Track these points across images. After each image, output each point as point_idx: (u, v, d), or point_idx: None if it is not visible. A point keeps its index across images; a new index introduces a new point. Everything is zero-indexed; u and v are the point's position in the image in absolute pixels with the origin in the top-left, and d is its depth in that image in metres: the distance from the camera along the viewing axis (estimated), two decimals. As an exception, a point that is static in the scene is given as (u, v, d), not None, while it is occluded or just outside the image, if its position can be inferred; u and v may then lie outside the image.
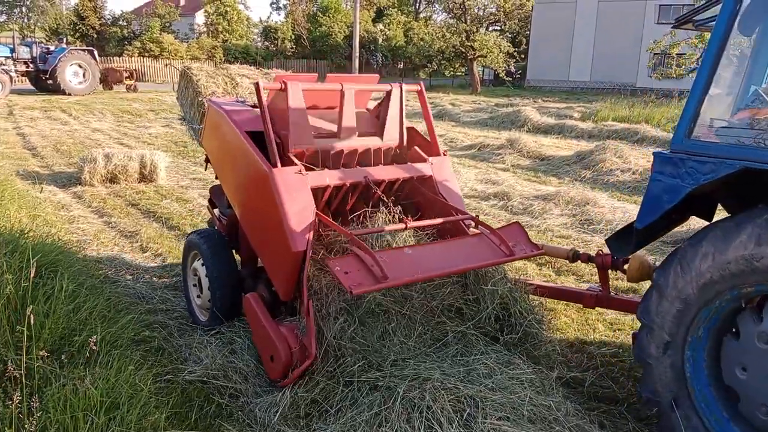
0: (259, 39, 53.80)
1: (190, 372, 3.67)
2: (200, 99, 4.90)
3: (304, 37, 49.72)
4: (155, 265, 6.05)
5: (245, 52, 44.67)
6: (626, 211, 8.05)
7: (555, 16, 37.88)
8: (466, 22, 34.33)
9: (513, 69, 34.43)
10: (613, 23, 36.35)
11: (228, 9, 48.36)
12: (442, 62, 36.81)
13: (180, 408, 3.32)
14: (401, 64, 49.43)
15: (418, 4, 59.39)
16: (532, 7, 36.99)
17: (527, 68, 39.07)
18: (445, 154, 4.31)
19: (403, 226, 3.61)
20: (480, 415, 2.84)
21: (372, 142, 4.10)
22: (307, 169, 3.66)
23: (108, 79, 27.98)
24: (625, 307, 4.32)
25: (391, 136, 4.17)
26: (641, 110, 18.82)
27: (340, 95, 3.88)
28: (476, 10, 35.35)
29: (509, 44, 34.27)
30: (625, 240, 3.36)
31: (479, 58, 34.36)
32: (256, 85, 3.60)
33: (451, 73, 37.42)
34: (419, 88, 4.31)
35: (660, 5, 35.05)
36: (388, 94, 4.13)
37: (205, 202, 8.58)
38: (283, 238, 3.40)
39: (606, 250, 3.91)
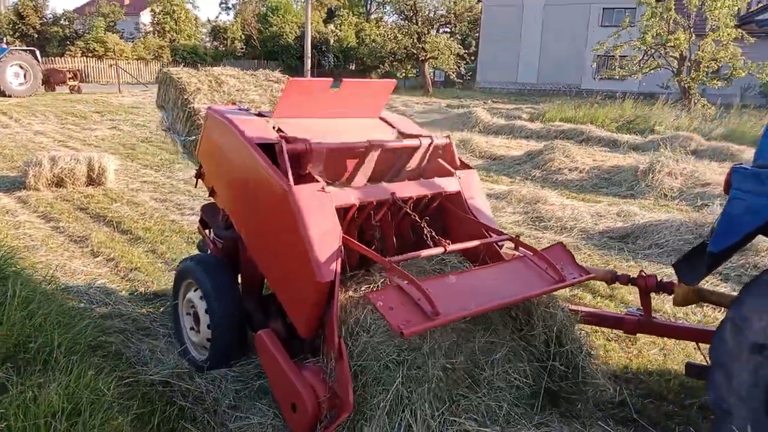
0: (207, 39, 52.88)
1: (154, 374, 3.64)
2: (190, 107, 4.44)
3: (255, 38, 49.13)
4: (108, 269, 5.93)
5: (194, 52, 43.84)
6: (575, 208, 8.35)
7: (502, 19, 38.63)
8: (417, 24, 34.65)
9: (463, 71, 34.94)
10: (558, 26, 37.34)
11: (175, 8, 47.36)
12: (394, 63, 37.05)
13: (142, 411, 3.29)
14: (353, 65, 49.44)
15: (369, 5, 59.52)
16: (481, 9, 37.57)
17: (477, 70, 39.73)
18: (471, 168, 3.95)
19: (441, 249, 3.21)
20: None
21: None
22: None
23: (50, 80, 27.00)
24: (671, 333, 4.02)
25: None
26: (586, 111, 19.45)
27: (364, 152, 3.47)
28: (427, 12, 35.70)
29: (459, 46, 34.76)
30: (696, 264, 3.00)
31: (430, 60, 34.73)
32: (279, 147, 3.17)
33: (403, 74, 37.71)
34: (448, 142, 3.89)
35: (603, 8, 36.23)
36: (414, 150, 3.72)
37: (157, 205, 8.51)
38: (307, 267, 2.95)
39: (648, 270, 3.77)
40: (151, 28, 49.03)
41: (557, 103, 21.43)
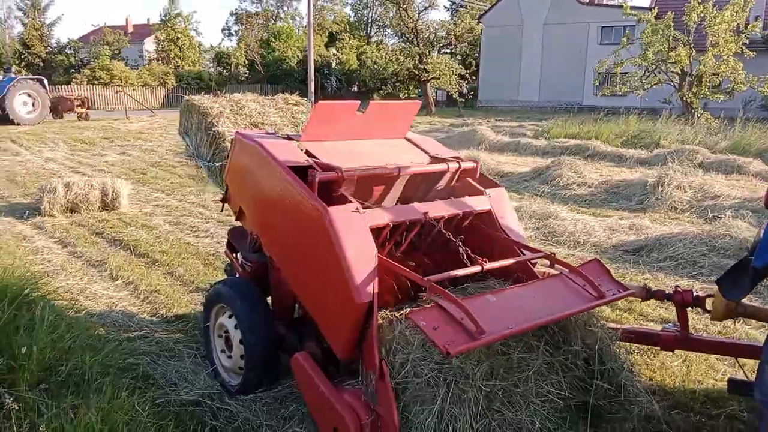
0: (211, 65, 53.51)
1: (185, 395, 3.67)
2: (214, 130, 4.51)
3: (258, 63, 49.71)
4: (128, 293, 5.98)
5: (198, 77, 44.38)
6: (586, 222, 8.38)
7: (503, 39, 39.07)
8: (418, 46, 35.03)
9: (465, 90, 35.24)
10: (557, 45, 37.73)
11: (179, 35, 48.02)
12: (397, 84, 37.38)
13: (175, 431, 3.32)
14: (355, 87, 49.89)
15: (369, 29, 60.24)
16: (481, 30, 38.02)
17: (478, 89, 40.05)
18: (500, 186, 3.95)
19: (478, 268, 3.19)
20: None
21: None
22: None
23: (59, 108, 27.27)
24: (711, 348, 3.99)
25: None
26: (590, 127, 19.58)
27: (390, 179, 3.55)
28: (427, 34, 36.11)
29: (461, 66, 35.10)
30: (739, 280, 2.98)
31: (432, 80, 35.04)
32: (311, 177, 3.20)
33: (405, 95, 38.04)
34: (474, 166, 3.90)
35: (602, 27, 36.64)
36: (442, 174, 3.78)
37: (171, 228, 8.58)
38: (344, 288, 2.92)
39: (663, 283, 3.72)
40: (156, 55, 49.68)
41: (561, 120, 21.57)
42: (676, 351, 4.31)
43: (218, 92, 5.01)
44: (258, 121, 4.69)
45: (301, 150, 3.54)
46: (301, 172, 3.27)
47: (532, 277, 3.46)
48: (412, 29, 35.19)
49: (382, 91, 35.54)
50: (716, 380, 4.24)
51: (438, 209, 3.47)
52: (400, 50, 37.00)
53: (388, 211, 3.33)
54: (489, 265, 3.19)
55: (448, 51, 40.95)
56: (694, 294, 3.80)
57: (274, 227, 3.57)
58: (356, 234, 3.02)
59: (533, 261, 3.56)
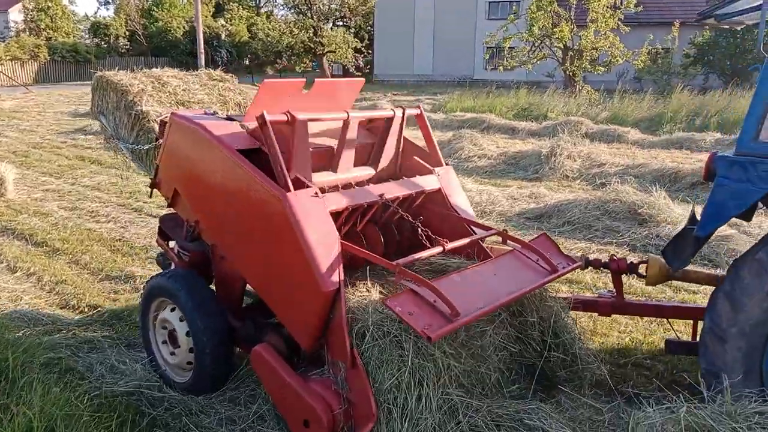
0: (87, 36, 49.69)
1: (119, 384, 3.56)
2: (137, 109, 4.18)
3: (139, 33, 46.79)
4: (30, 285, 5.61)
5: (74, 50, 41.03)
6: (490, 193, 8.83)
7: (395, 13, 39.30)
8: (312, 18, 34.51)
9: (362, 64, 35.27)
10: (448, 19, 38.54)
11: (50, 4, 44.07)
12: (292, 58, 36.68)
13: (113, 423, 3.23)
14: (247, 59, 48.34)
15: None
16: (374, 3, 38.04)
17: (374, 63, 40.21)
18: (447, 164, 3.94)
19: (440, 249, 3.18)
20: None
21: (365, 173, 3.69)
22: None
23: None
24: (645, 311, 4.20)
25: (386, 170, 3.79)
26: (484, 101, 20.38)
27: (343, 125, 3.43)
28: (320, 5, 35.63)
29: (356, 40, 35.03)
30: (682, 249, 3.22)
31: (329, 54, 34.74)
32: (262, 118, 3.02)
33: (301, 68, 37.45)
34: (419, 112, 3.89)
35: (489, 2, 37.84)
36: (389, 121, 3.71)
37: (68, 214, 8.06)
38: (308, 277, 2.82)
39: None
40: (24, 26, 45.33)
41: (457, 94, 22.23)
42: (613, 321, 4.62)
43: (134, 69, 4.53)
44: (184, 99, 4.42)
45: (246, 131, 3.38)
46: (249, 155, 3.13)
47: (483, 254, 3.55)
48: (305, 0, 34.58)
49: (277, 65, 34.71)
50: (620, 332, 4.65)
51: (392, 190, 3.46)
52: (294, 22, 36.26)
53: (344, 194, 3.26)
54: (450, 246, 3.20)
55: (342, 24, 40.65)
56: (628, 261, 4.00)
57: (221, 215, 3.35)
58: (317, 220, 2.91)
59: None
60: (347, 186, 3.50)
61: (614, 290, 4.11)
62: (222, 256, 3.57)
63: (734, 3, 3.91)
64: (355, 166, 3.61)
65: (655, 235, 6.58)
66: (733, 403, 2.32)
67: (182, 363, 3.65)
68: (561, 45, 22.61)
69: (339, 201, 3.17)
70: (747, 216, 3.47)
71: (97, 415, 3.15)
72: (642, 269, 3.96)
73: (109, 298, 5.33)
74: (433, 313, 2.64)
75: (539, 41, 23.26)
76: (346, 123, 3.40)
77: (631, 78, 25.58)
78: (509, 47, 24.39)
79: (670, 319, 4.33)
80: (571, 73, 22.53)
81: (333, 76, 37.62)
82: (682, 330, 4.46)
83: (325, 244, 2.87)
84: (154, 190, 4.00)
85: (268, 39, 39.85)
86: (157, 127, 4.07)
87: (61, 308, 5.13)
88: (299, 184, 3.03)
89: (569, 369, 3.42)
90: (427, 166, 3.81)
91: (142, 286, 5.53)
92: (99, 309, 5.08)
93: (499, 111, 18.56)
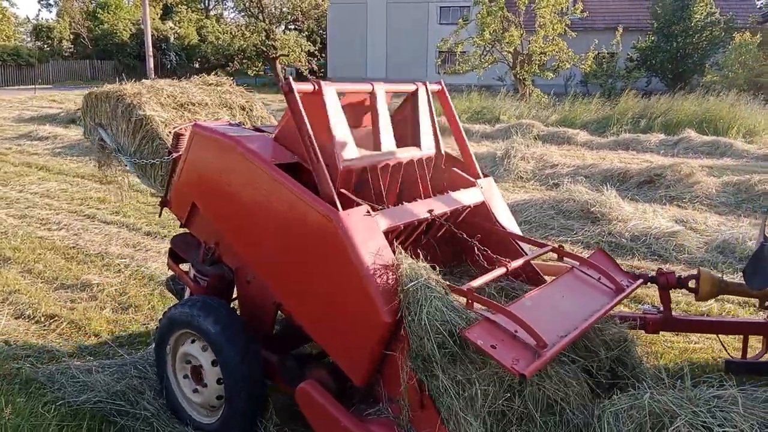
0: (29, 39, 47.89)
1: (84, 394, 3.49)
2: (138, 113, 3.75)
3: (84, 36, 45.39)
4: (-19, 296, 5.41)
5: (15, 53, 39.44)
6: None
7: (348, 16, 39.42)
8: (264, 21, 34.21)
9: (315, 67, 35.16)
10: (401, 23, 38.89)
11: (-13, 5, 42.35)
12: (244, 61, 36.25)
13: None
14: (197, 63, 47.49)
15: (207, 2, 57.46)
16: (327, 6, 38.01)
17: (327, 66, 40.14)
18: (487, 175, 3.66)
19: (503, 270, 2.91)
20: None
21: (412, 153, 3.31)
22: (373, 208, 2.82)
23: None
24: (695, 327, 3.97)
25: (428, 144, 3.44)
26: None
27: (371, 98, 3.15)
28: (273, 9, 35.34)
29: (309, 43, 34.91)
30: (762, 268, 3.01)
31: (281, 57, 34.49)
32: (288, 84, 2.74)
33: (254, 72, 37.04)
34: (440, 88, 3.59)
35: (441, 6, 38.36)
36: (414, 94, 3.43)
37: (17, 222, 7.78)
38: (366, 305, 2.51)
39: (665, 268, 3.69)
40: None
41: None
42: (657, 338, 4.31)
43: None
44: (184, 101, 4.08)
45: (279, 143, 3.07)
46: (290, 170, 2.86)
47: (532, 272, 3.30)
48: (257, 3, 34.25)
49: (228, 68, 34.26)
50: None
51: (439, 206, 3.16)
52: (246, 25, 35.85)
53: (395, 212, 2.95)
54: (513, 265, 2.95)
55: (294, 27, 40.42)
56: (677, 276, 3.74)
57: (256, 237, 2.99)
58: (372, 241, 2.61)
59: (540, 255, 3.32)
60: (398, 166, 3.18)
61: (661, 306, 3.80)
62: (249, 280, 3.25)
63: None
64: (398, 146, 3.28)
65: (608, 232, 6.84)
66: (692, 389, 2.46)
67: (209, 401, 3.22)
68: (511, 50, 23.14)
69: (390, 219, 2.86)
70: None
71: (63, 424, 3.09)
72: (691, 284, 3.69)
73: (66, 307, 5.19)
74: (516, 344, 2.35)
75: (490, 46, 23.73)
76: (373, 95, 3.13)
77: (578, 82, 26.39)
78: (461, 51, 24.83)
79: (719, 335, 4.04)
80: (521, 77, 23.08)
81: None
82: (733, 346, 4.15)
83: (382, 268, 2.57)
84: (165, 208, 3.67)
85: (219, 42, 39.26)
86: (160, 130, 3.73)
87: (15, 318, 4.97)
88: (347, 201, 2.74)
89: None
90: (469, 178, 3.55)
91: (100, 293, 5.46)
92: (56, 318, 4.94)
93: (453, 114, 18.80)
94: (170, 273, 3.98)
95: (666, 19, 27.22)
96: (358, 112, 3.32)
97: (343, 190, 2.82)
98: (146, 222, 7.71)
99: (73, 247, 6.80)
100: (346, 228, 2.55)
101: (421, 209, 3.05)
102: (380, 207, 2.94)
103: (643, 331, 3.79)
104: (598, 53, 23.70)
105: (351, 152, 2.91)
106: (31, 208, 8.57)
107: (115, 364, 4.01)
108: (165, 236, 7.13)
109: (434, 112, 3.56)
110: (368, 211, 2.72)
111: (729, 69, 23.64)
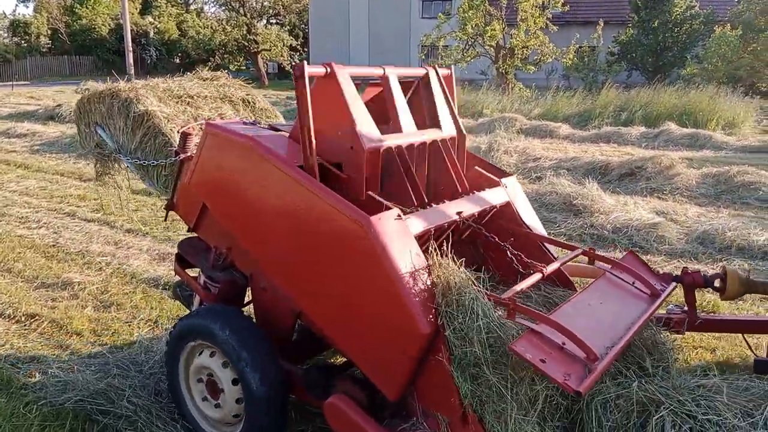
0: (5, 35, 47.08)
1: (65, 394, 3.45)
2: (139, 110, 3.55)
3: (62, 32, 44.73)
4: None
5: (-9, 49, 38.90)
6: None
7: (331, 10, 39.23)
8: (245, 15, 33.96)
9: (297, 62, 34.98)
10: (383, 17, 38.81)
11: (-39, 0, 41.50)
12: (225, 56, 35.97)
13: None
14: (177, 58, 47.03)
15: (187, -4, 56.85)
16: (309, 1, 37.89)
17: (309, 60, 39.85)
18: (510, 174, 3.56)
19: (539, 276, 2.77)
20: None
21: (435, 134, 3.17)
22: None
23: None
24: (721, 327, 3.88)
25: (449, 126, 3.29)
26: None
27: (384, 81, 3.04)
28: (254, 3, 35.10)
29: (291, 38, 34.74)
30: None
31: (263, 52, 34.28)
32: (299, 68, 2.61)
33: (236, 67, 36.77)
34: (449, 73, 3.48)
35: (423, 1, 38.32)
36: (426, 77, 3.32)
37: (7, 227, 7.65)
38: (402, 317, 2.36)
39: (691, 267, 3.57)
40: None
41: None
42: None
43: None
44: (182, 94, 3.89)
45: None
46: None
47: (561, 275, 3.17)
48: (237, -2, 34.02)
49: (210, 63, 33.95)
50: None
51: (467, 207, 3.03)
52: (227, 20, 35.56)
53: (425, 214, 2.81)
54: (549, 270, 2.83)
55: (276, 21, 40.19)
56: (702, 274, 3.63)
57: (276, 242, 2.81)
58: (405, 247, 2.46)
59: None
60: (422, 147, 3.07)
61: (685, 305, 3.71)
62: (264, 287, 3.09)
63: None
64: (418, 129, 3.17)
65: (590, 224, 6.90)
66: (678, 377, 2.50)
67: (227, 416, 3.04)
68: (493, 44, 23.19)
69: (422, 223, 2.72)
70: None
71: (45, 424, 3.05)
72: (717, 283, 3.61)
73: (46, 306, 5.13)
74: (565, 358, 2.23)
75: (472, 40, 23.77)
76: (385, 78, 3.03)
77: (560, 75, 26.53)
78: (444, 46, 24.85)
79: (745, 335, 3.93)
80: (503, 71, 23.15)
81: (268, 75, 37.17)
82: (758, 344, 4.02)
83: (417, 276, 2.42)
84: (170, 212, 3.53)
85: (200, 37, 38.93)
86: (162, 125, 3.55)
87: (-7, 319, 4.90)
88: (375, 205, 2.60)
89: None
90: (493, 177, 3.43)
91: (81, 292, 5.40)
92: (37, 317, 4.88)
93: (436, 108, 18.82)
94: (173, 278, 3.86)
95: (646, 12, 27.46)
96: (378, 105, 3.18)
97: (370, 192, 2.70)
98: (127, 219, 7.63)
99: (54, 245, 6.72)
100: (377, 234, 2.39)
101: (450, 211, 2.93)
102: (409, 210, 2.77)
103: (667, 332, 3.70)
104: (580, 47, 23.84)
105: (374, 134, 2.78)
106: (10, 206, 8.44)
107: (97, 362, 3.98)
108: (146, 234, 7.07)
109: (450, 94, 3.47)
110: (399, 215, 2.57)
111: (709, 62, 23.92)
